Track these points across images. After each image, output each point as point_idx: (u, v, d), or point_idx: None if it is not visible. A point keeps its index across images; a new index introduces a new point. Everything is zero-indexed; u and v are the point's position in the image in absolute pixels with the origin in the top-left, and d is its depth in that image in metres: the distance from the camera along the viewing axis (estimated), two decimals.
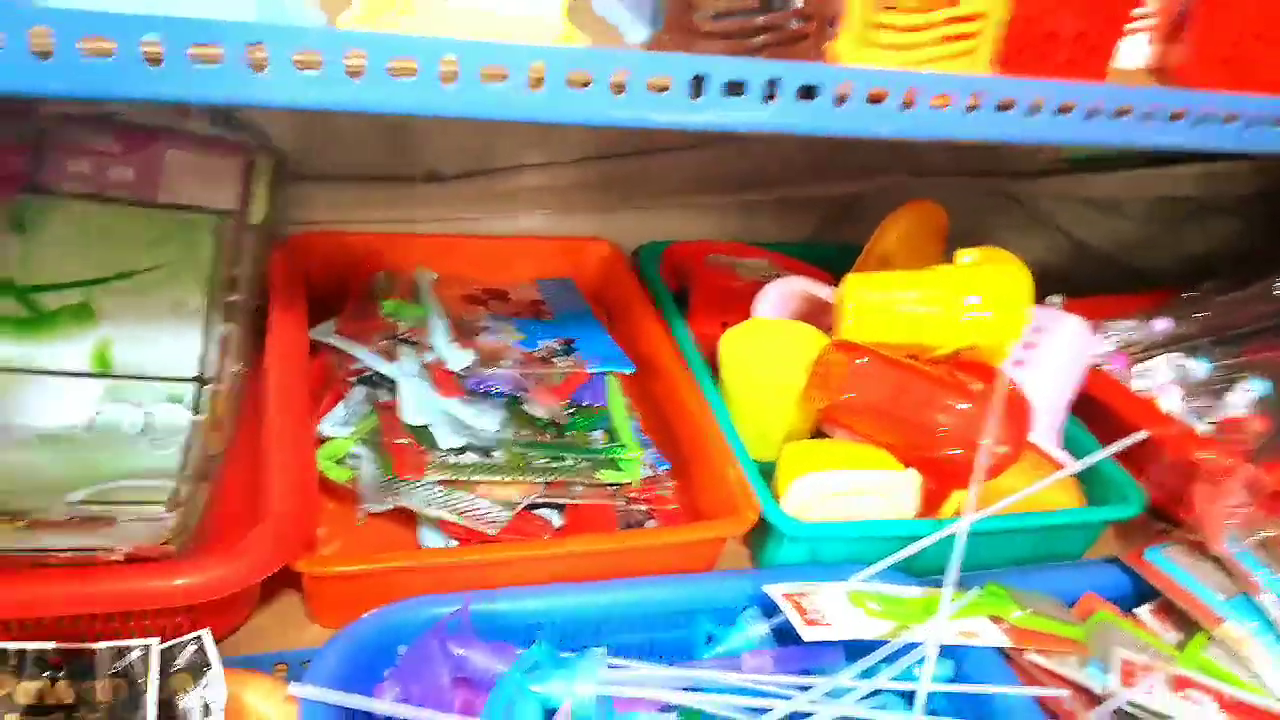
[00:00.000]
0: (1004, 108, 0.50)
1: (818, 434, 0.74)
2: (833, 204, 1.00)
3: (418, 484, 0.62)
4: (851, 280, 0.71)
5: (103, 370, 0.68)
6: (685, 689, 0.56)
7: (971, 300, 0.67)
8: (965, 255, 0.72)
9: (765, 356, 0.74)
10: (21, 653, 0.47)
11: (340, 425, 0.66)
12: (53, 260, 0.70)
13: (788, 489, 0.66)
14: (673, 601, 0.61)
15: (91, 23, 0.37)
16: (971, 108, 0.49)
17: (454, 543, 0.62)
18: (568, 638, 0.58)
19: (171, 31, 0.38)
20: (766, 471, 0.68)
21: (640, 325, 0.80)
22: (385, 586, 0.57)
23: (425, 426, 0.65)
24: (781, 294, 0.81)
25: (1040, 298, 0.72)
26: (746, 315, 0.79)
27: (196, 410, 0.68)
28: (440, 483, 0.62)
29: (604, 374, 0.75)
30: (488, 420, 0.66)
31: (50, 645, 0.48)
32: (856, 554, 0.65)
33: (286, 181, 0.79)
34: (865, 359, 0.67)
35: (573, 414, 0.70)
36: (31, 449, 0.63)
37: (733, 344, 0.76)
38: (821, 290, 0.79)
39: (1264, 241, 1.07)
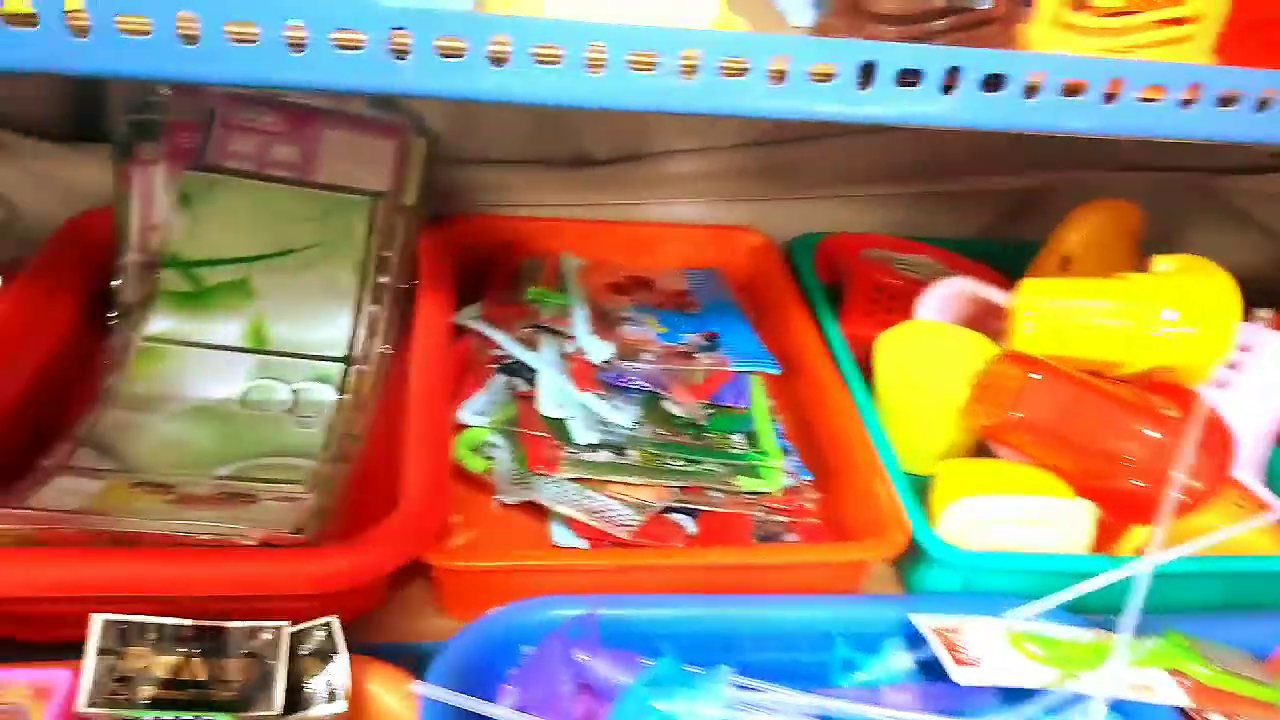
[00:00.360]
0: (1226, 102, 0.43)
1: (979, 451, 0.69)
2: (1010, 197, 0.92)
3: (551, 479, 0.61)
4: (1028, 285, 0.65)
5: (256, 346, 0.70)
6: (818, 718, 0.52)
7: (1169, 314, 0.60)
8: (1162, 263, 0.64)
9: (925, 363, 0.69)
10: (161, 627, 0.48)
11: (479, 414, 0.65)
12: (215, 236, 0.72)
13: (944, 512, 0.60)
14: (810, 623, 0.57)
15: (237, 7, 0.36)
16: (1187, 102, 0.42)
17: (584, 542, 0.60)
18: (695, 652, 0.55)
19: (315, 17, 0.36)
20: (919, 487, 0.63)
21: (789, 322, 0.76)
22: (514, 583, 0.56)
23: (562, 420, 0.63)
24: (947, 295, 0.75)
25: (1245, 312, 0.64)
26: (906, 316, 0.74)
27: (342, 390, 0.69)
28: (574, 480, 0.60)
29: (748, 373, 0.71)
30: (624, 416, 0.64)
31: (188, 622, 0.49)
32: (1017, 588, 0.59)
33: (439, 164, 0.79)
34: (1040, 374, 0.60)
35: (713, 414, 0.67)
36: (186, 421, 0.65)
37: (890, 347, 0.71)
38: (993, 294, 0.73)
39: None
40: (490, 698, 0.50)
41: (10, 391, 0.60)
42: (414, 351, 0.66)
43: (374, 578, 0.51)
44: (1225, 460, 0.58)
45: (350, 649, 0.51)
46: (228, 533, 0.47)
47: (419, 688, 0.48)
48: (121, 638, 0.48)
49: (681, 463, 0.63)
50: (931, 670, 0.55)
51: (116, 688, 0.47)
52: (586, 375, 0.66)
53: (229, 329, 0.70)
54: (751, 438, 0.66)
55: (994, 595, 0.58)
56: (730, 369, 0.70)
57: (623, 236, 0.85)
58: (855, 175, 0.90)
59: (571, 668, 0.52)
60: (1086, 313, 0.63)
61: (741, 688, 0.52)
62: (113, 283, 0.70)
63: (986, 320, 0.73)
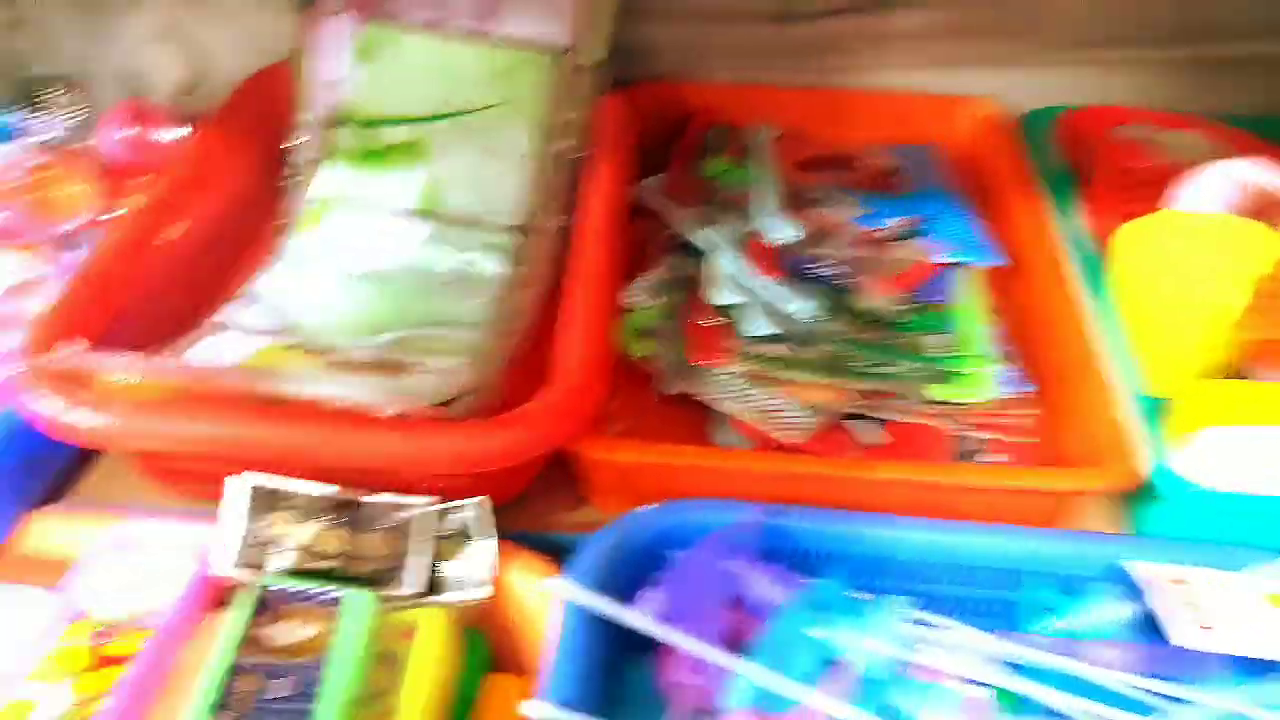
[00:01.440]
0: None
1: (1239, 374, 0.56)
2: None
3: (718, 373, 0.55)
4: None
5: (428, 210, 0.67)
6: (1008, 666, 0.45)
7: None
8: None
9: (1182, 262, 0.57)
10: (302, 494, 0.47)
11: (647, 295, 0.60)
12: (392, 93, 0.69)
13: (1190, 440, 0.50)
14: (1007, 556, 0.49)
15: None
16: None
17: (749, 444, 0.54)
18: (864, 577, 0.49)
19: None
20: (1159, 410, 0.53)
21: (1018, 209, 0.65)
22: (668, 481, 0.51)
23: (733, 307, 0.57)
24: (1218, 181, 0.61)
25: None
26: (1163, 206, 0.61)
27: (511, 263, 0.66)
28: (744, 375, 0.54)
29: (960, 265, 0.61)
30: (806, 307, 0.56)
31: (331, 491, 0.47)
32: (1269, 539, 0.48)
33: (626, 20, 0.72)
34: None
35: (913, 311, 0.58)
36: (351, 286, 0.63)
37: (1138, 240, 0.59)
38: (1274, 179, 0.59)
39: None
40: (631, 600, 0.45)
41: (183, 243, 0.60)
42: (584, 225, 0.61)
43: (518, 460, 0.48)
44: None
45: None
46: (365, 402, 0.45)
47: (555, 584, 0.44)
48: (263, 501, 0.47)
49: (871, 364, 0.55)
50: (1148, 628, 0.46)
51: (255, 552, 0.46)
52: (766, 259, 0.59)
53: (402, 192, 0.67)
54: (958, 341, 0.57)
55: (1240, 546, 0.48)
56: (939, 260, 0.60)
57: (825, 105, 0.76)
58: (1107, 36, 0.75)
59: (724, 579, 0.47)
60: None
61: (917, 622, 0.46)
62: (290, 140, 0.69)
63: (1268, 214, 0.59)
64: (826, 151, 0.72)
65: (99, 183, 0.64)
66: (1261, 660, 0.44)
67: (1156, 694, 0.44)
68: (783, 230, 0.59)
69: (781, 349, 0.55)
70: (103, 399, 0.46)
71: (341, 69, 0.69)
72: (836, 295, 0.58)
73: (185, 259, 0.61)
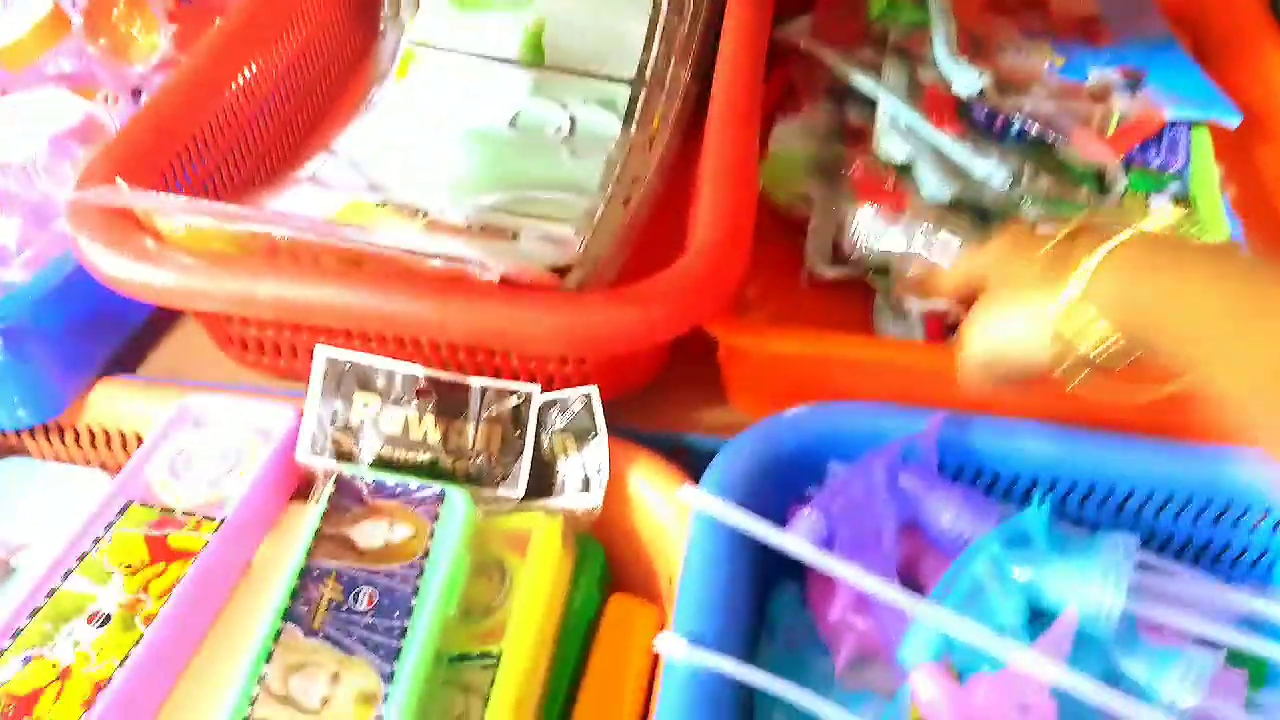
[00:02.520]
0: None
1: None
2: None
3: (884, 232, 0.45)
4: None
5: (533, 60, 0.58)
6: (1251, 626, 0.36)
7: None
8: None
9: None
10: (391, 373, 0.40)
11: (795, 141, 0.50)
12: None
13: None
14: (1249, 488, 0.39)
15: None
16: None
17: (918, 334, 0.45)
18: (1069, 507, 0.40)
19: None
20: None
21: (1257, 60, 0.52)
22: (824, 377, 0.42)
23: (906, 166, 0.46)
24: None
25: None
26: None
27: (628, 120, 0.56)
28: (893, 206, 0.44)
29: (1189, 124, 0.49)
30: (999, 173, 0.45)
31: (422, 370, 0.40)
32: None
33: None
34: None
35: (1130, 172, 0.47)
36: (448, 142, 0.54)
37: None
38: None
39: None
40: (779, 518, 0.37)
41: (261, 86, 0.53)
42: (719, 75, 0.51)
43: (644, 341, 0.39)
44: None
45: (611, 431, 0.40)
46: (464, 261, 0.36)
47: (691, 494, 0.36)
48: (347, 380, 0.39)
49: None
50: None
51: (339, 436, 0.39)
52: (946, 110, 0.48)
53: (505, 36, 0.58)
54: (1186, 207, 0.46)
55: None
56: (1164, 116, 0.48)
57: None
58: None
59: (898, 500, 0.38)
60: None
61: (1142, 566, 0.37)
62: None
63: None
64: None
65: (168, 17, 0.57)
66: None
67: None
68: (965, 79, 0.48)
69: (963, 220, 0.44)
70: (160, 249, 0.38)
71: None
72: (1037, 154, 0.47)
73: (262, 105, 0.53)
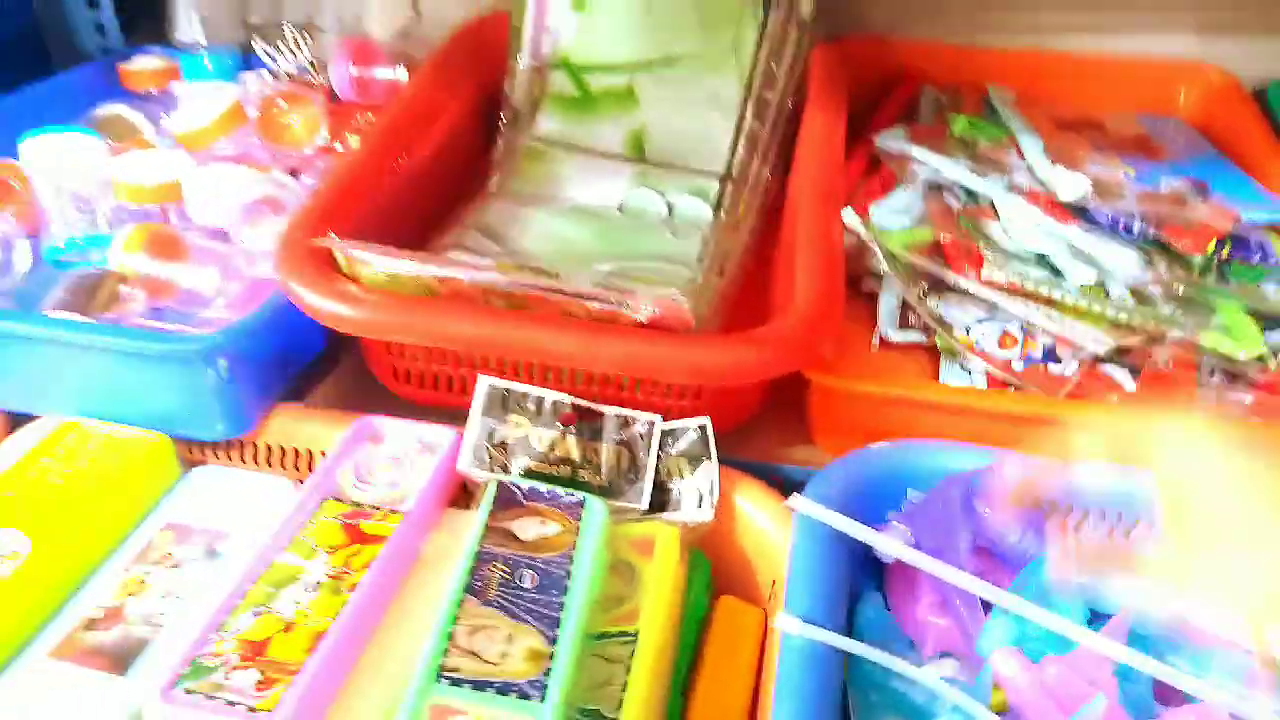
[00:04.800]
0: None
1: None
2: None
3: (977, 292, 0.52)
4: None
5: (636, 155, 0.67)
6: None
7: None
8: None
9: None
10: (541, 400, 0.47)
11: (898, 214, 0.58)
12: (603, 41, 0.69)
13: None
14: None
15: None
16: None
17: (981, 380, 0.52)
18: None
19: None
20: None
21: (1273, 176, 0.61)
22: (898, 420, 0.49)
23: (1044, 256, 0.54)
24: None
25: None
26: None
27: (718, 207, 0.65)
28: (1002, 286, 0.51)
29: (1262, 226, 0.57)
30: (1129, 260, 0.53)
31: (568, 398, 0.47)
32: None
33: None
34: None
35: (1229, 265, 0.55)
36: (568, 218, 0.63)
37: None
38: None
39: None
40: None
41: (407, 174, 0.62)
42: (803, 166, 0.60)
43: (756, 375, 0.47)
44: None
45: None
46: (622, 301, 0.44)
47: (799, 502, 0.43)
48: (504, 403, 0.47)
49: (1160, 309, 0.52)
50: None
51: (495, 451, 0.46)
52: (1058, 210, 0.56)
53: (611, 136, 0.68)
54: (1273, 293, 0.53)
55: None
56: (1240, 217, 0.56)
57: (1046, 69, 0.73)
58: None
59: (971, 521, 0.44)
60: None
61: None
62: (505, 86, 0.70)
63: None
64: (1069, 114, 0.68)
65: (326, 115, 0.66)
66: None
67: None
68: (1071, 184, 0.56)
69: (1074, 292, 0.52)
70: (356, 290, 0.46)
71: (556, 17, 0.70)
72: (1150, 247, 0.55)
73: (410, 189, 0.62)
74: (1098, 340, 0.50)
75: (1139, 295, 0.53)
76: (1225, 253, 0.55)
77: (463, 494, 0.48)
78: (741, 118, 0.67)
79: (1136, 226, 0.56)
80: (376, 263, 0.45)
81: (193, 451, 0.51)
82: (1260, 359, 0.50)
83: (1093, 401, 0.49)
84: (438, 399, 0.52)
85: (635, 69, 0.68)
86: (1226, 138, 0.67)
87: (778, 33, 0.68)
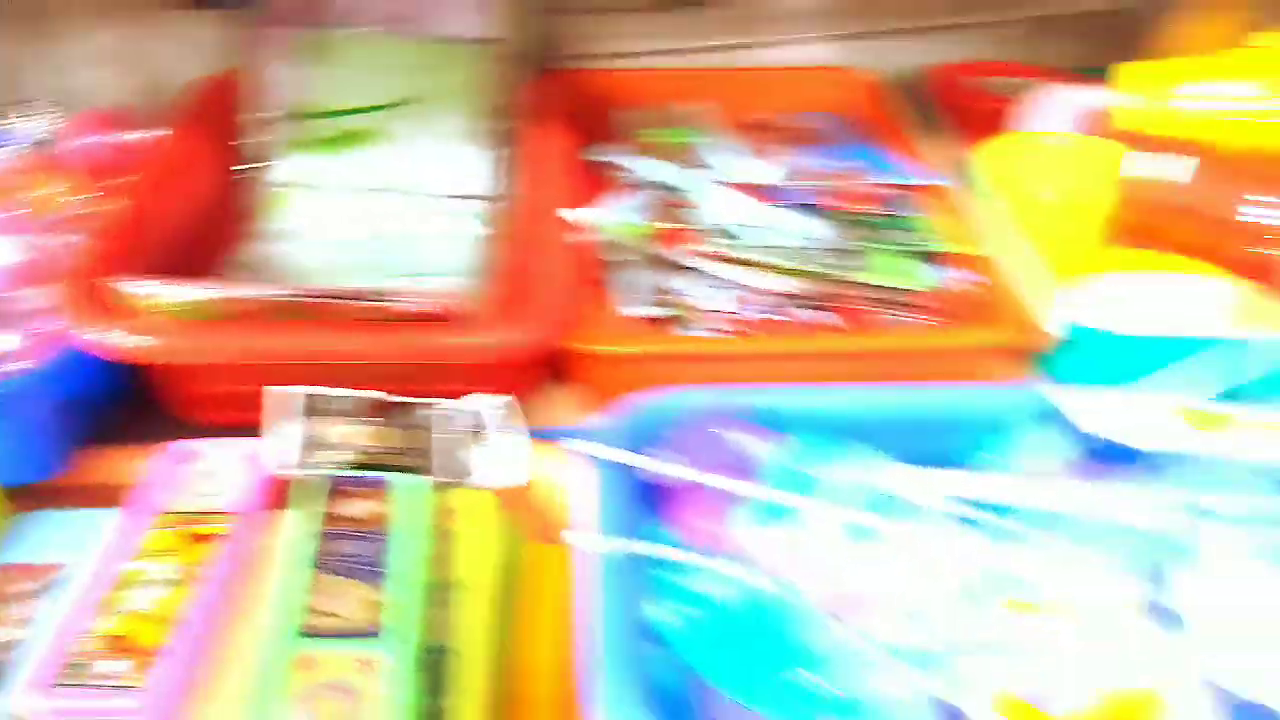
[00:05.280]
0: None
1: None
2: (1100, 21, 0.91)
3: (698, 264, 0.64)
4: (1129, 71, 0.64)
5: (387, 187, 0.74)
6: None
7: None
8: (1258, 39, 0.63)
9: (1045, 168, 0.69)
10: (349, 398, 0.53)
11: (617, 212, 0.68)
12: (336, 88, 0.75)
13: (1079, 292, 0.61)
14: (945, 409, 0.58)
15: None
16: None
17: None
18: (829, 439, 0.57)
19: None
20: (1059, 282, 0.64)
21: (908, 152, 0.77)
22: (653, 373, 0.58)
23: (746, 228, 0.66)
24: (1055, 102, 0.74)
25: None
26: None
27: (480, 221, 0.72)
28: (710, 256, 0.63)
29: (903, 188, 0.72)
30: (815, 228, 0.66)
31: (374, 394, 0.53)
32: (1155, 368, 0.59)
33: (546, 14, 0.81)
34: (1203, 146, 0.60)
35: (886, 218, 0.69)
36: (328, 250, 0.69)
37: (1007, 156, 0.72)
38: (1098, 95, 0.72)
39: None
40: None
41: (167, 229, 0.65)
42: (532, 175, 0.69)
43: (544, 348, 0.55)
44: None
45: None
46: (407, 295, 0.51)
47: (592, 447, 0.51)
48: (313, 407, 0.52)
49: (837, 260, 0.65)
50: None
51: (311, 452, 0.51)
52: (751, 192, 0.69)
53: (360, 172, 0.73)
54: (921, 239, 0.68)
55: (1132, 379, 0.59)
56: (896, 183, 0.71)
57: (728, 83, 0.87)
58: (954, 5, 0.89)
59: (720, 445, 0.54)
60: (1207, 86, 0.62)
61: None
62: (249, 136, 0.74)
63: (1093, 128, 0.72)
64: (748, 118, 0.82)
65: (75, 183, 0.68)
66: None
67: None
68: (769, 172, 0.69)
69: (769, 254, 0.64)
70: (148, 323, 0.50)
71: (290, 70, 0.75)
72: (826, 215, 0.68)
73: (171, 240, 0.65)
74: (795, 288, 0.63)
75: (823, 250, 0.66)
76: (882, 212, 0.70)
77: (285, 497, 0.52)
78: (480, 145, 0.75)
79: (814, 199, 0.69)
80: (171, 293, 0.49)
81: (16, 500, 0.52)
82: (919, 289, 0.65)
83: (798, 337, 0.62)
84: (242, 419, 0.55)
85: (374, 110, 0.75)
86: (869, 123, 0.84)
87: (498, 70, 0.77)
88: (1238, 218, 0.59)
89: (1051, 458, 0.56)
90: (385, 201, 0.73)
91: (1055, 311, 0.61)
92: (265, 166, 0.73)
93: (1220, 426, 0.52)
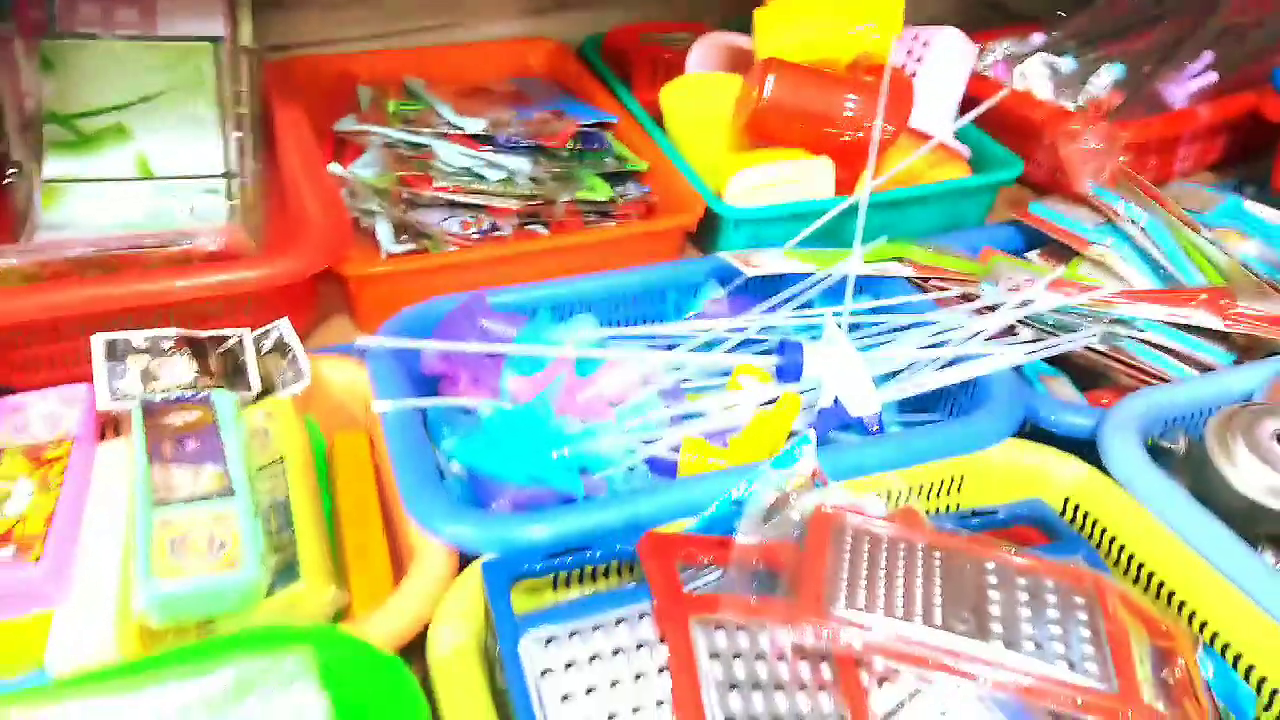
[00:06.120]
0: None
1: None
2: None
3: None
4: (760, 11, 0.84)
5: (146, 176, 0.82)
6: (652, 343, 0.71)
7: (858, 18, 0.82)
8: None
9: (701, 100, 0.88)
10: (150, 338, 0.62)
11: (367, 168, 0.81)
12: (83, 92, 0.82)
13: (726, 185, 0.80)
14: (644, 282, 0.75)
15: None
16: None
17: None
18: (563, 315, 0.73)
19: None
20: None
21: (598, 100, 0.94)
22: (415, 289, 0.71)
23: (470, 169, 0.80)
24: (708, 48, 0.94)
25: None
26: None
27: (229, 197, 0.82)
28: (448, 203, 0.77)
29: (598, 126, 0.89)
30: (523, 165, 0.81)
31: (171, 332, 0.63)
32: (789, 233, 0.79)
33: (266, 9, 0.91)
34: (777, 70, 0.80)
35: (581, 153, 0.85)
36: (108, 231, 0.76)
37: (673, 94, 0.90)
38: (739, 39, 0.92)
39: None
40: (416, 370, 0.66)
41: None
42: (286, 146, 0.80)
43: (311, 272, 0.67)
44: (907, 105, 0.80)
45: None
46: (198, 235, 0.61)
47: (367, 340, 0.63)
48: (121, 347, 0.61)
49: (549, 184, 0.81)
50: (737, 300, 0.75)
51: (127, 386, 0.60)
52: (470, 142, 0.82)
53: (119, 165, 0.81)
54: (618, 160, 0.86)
55: (775, 244, 0.79)
56: (581, 123, 0.87)
57: (441, 59, 1.01)
58: None
59: (475, 328, 0.68)
60: (805, 25, 0.83)
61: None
62: (7, 142, 0.80)
63: (742, 65, 0.92)
64: (465, 86, 0.96)
65: None
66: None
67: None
68: (474, 124, 0.83)
69: (497, 186, 0.79)
70: None
71: (28, 81, 0.81)
72: (534, 151, 0.83)
73: None
74: (517, 206, 0.78)
75: (534, 179, 0.81)
76: (578, 145, 0.86)
77: (116, 427, 0.61)
78: (224, 130, 0.84)
79: (522, 142, 0.84)
80: None
81: None
82: (612, 199, 0.82)
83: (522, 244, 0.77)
84: (55, 378, 0.63)
85: (120, 109, 0.83)
86: (565, 80, 1.00)
87: (229, 60, 0.86)
88: (831, 112, 0.80)
89: (719, 300, 0.74)
90: (143, 188, 0.81)
91: (713, 200, 0.80)
92: (28, 170, 0.79)
93: (816, 259, 0.73)
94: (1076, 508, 0.59)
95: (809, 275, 0.71)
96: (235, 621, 0.49)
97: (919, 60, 0.90)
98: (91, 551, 0.51)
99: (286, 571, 0.51)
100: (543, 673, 0.44)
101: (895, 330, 0.71)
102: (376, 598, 0.52)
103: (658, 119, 0.91)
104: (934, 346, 0.68)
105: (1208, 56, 0.97)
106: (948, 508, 0.61)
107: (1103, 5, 1.04)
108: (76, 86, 0.82)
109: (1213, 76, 0.96)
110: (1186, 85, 0.95)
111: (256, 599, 0.49)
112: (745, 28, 0.95)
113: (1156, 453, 0.60)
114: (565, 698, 0.43)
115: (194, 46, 0.86)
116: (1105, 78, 0.94)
